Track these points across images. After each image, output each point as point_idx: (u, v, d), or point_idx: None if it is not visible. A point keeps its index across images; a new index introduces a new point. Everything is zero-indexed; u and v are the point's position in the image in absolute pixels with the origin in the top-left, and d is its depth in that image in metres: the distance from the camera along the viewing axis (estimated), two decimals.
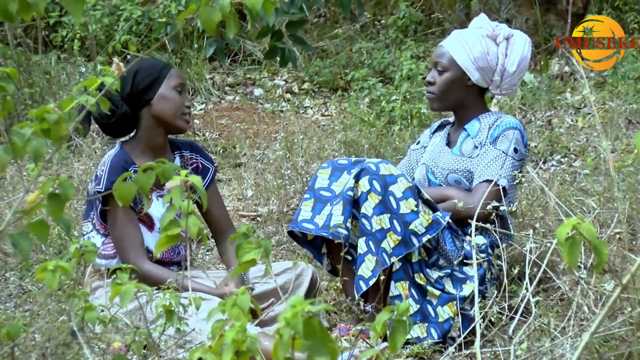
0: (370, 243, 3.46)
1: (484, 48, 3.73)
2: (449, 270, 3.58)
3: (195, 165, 3.70)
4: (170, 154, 3.65)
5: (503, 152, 3.68)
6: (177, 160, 3.66)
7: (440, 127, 3.97)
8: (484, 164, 3.68)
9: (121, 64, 2.19)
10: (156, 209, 3.57)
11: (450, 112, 3.90)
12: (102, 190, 3.43)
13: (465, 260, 3.60)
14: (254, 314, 3.36)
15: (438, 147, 3.86)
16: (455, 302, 3.52)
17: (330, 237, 3.48)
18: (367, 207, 3.47)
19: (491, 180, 3.62)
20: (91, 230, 3.56)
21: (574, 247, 1.99)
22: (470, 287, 3.54)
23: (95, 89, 2.17)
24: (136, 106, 3.56)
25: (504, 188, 3.63)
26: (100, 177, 3.49)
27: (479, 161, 3.70)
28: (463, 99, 3.78)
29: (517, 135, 3.71)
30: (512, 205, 3.68)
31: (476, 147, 3.73)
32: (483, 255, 3.58)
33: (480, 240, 3.63)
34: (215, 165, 3.78)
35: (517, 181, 3.70)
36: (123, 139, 3.68)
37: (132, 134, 3.64)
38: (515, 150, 3.69)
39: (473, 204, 3.56)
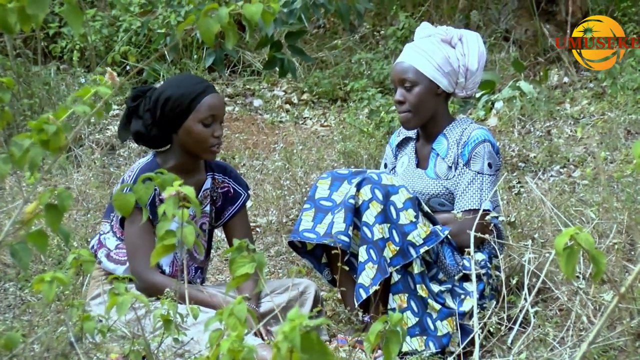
0: (372, 251, 3.46)
1: (444, 53, 3.70)
2: (449, 285, 3.57)
3: (226, 189, 3.67)
4: (203, 173, 3.62)
5: (478, 172, 3.65)
6: (209, 182, 3.63)
7: (403, 144, 3.90)
8: (462, 189, 3.66)
9: (114, 73, 2.18)
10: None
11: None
12: None
13: (465, 272, 3.58)
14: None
15: (410, 170, 3.80)
16: (454, 317, 3.51)
17: (332, 245, 3.47)
18: (369, 216, 3.47)
19: (475, 210, 3.60)
20: (108, 231, 3.53)
21: (571, 257, 1.99)
22: (470, 303, 3.52)
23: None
24: (165, 131, 3.52)
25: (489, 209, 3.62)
26: (126, 182, 3.46)
27: (456, 184, 3.68)
28: (436, 110, 3.73)
29: (487, 148, 3.67)
30: (498, 208, 3.68)
31: (450, 167, 3.70)
32: (482, 271, 3.57)
33: (480, 256, 3.61)
34: (248, 191, 3.72)
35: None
36: (158, 150, 3.66)
37: (167, 147, 3.59)
38: (490, 165, 3.67)
39: (465, 234, 3.52)
